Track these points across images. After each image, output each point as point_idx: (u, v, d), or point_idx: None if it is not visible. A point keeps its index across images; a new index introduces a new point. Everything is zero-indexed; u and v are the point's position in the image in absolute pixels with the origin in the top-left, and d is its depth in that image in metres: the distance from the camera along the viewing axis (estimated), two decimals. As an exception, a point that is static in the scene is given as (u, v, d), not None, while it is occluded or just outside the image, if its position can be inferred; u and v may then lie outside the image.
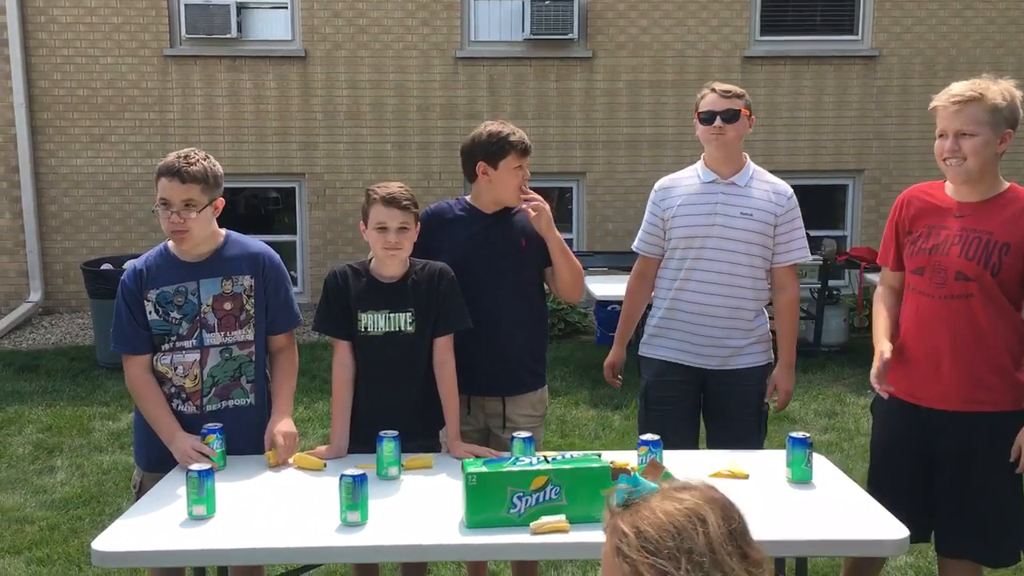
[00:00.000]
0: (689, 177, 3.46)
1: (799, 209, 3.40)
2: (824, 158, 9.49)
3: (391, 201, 2.95)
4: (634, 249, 3.59)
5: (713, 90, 3.35)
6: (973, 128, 2.70)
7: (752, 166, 3.42)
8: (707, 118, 3.33)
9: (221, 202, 2.93)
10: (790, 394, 3.45)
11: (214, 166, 2.90)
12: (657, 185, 3.54)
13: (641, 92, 9.33)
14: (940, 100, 2.76)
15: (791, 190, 3.41)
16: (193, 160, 2.83)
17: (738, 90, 3.36)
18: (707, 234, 3.33)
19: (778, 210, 3.34)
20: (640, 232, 3.55)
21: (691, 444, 3.43)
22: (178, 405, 2.96)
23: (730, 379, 3.38)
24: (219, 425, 2.87)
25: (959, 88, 2.74)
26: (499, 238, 3.21)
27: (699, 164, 3.46)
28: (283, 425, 2.96)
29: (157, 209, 2.86)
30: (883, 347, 2.91)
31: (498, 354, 3.18)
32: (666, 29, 9.28)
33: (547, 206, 3.17)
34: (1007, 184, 2.83)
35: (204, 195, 2.84)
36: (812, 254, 7.76)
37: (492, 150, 3.15)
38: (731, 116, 3.30)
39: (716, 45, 9.31)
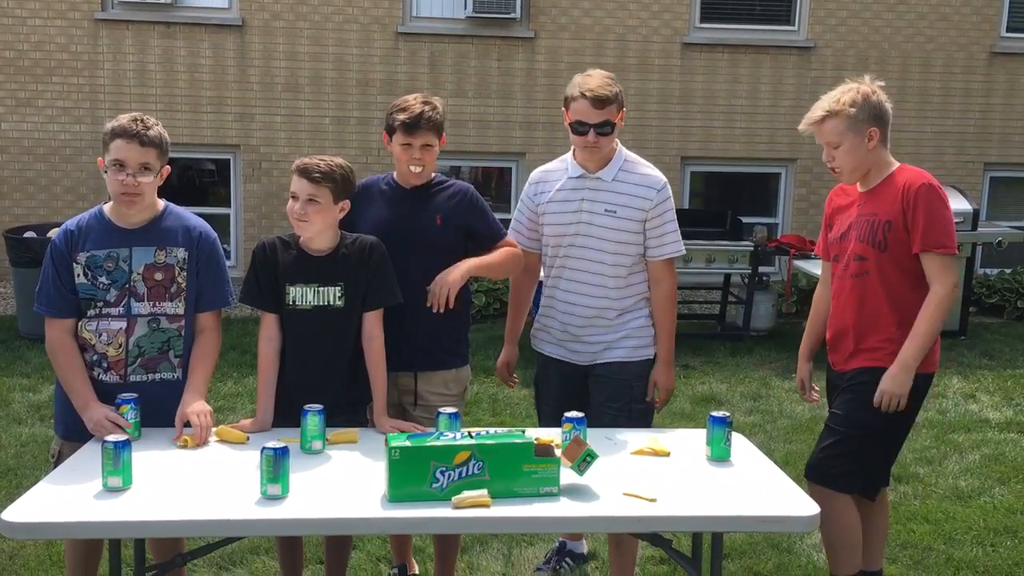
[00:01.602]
0: (559, 171, 3.37)
1: (672, 202, 3.30)
2: (759, 146, 9.64)
3: (303, 171, 2.95)
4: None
5: (584, 96, 3.13)
6: (835, 139, 3.08)
7: (623, 156, 3.30)
8: (580, 130, 3.17)
9: (167, 170, 2.93)
10: (670, 391, 3.37)
11: (165, 132, 2.90)
12: (531, 178, 3.46)
13: (582, 74, 9.35)
14: (802, 124, 3.16)
15: (663, 181, 3.28)
16: (150, 124, 2.84)
17: (611, 91, 3.15)
18: (575, 232, 3.29)
19: (646, 204, 3.23)
20: (513, 223, 3.49)
21: None
22: (99, 374, 2.90)
23: (604, 372, 3.33)
24: (134, 395, 2.82)
25: (814, 111, 3.11)
26: (412, 214, 3.19)
27: (569, 156, 3.36)
28: (196, 405, 2.89)
29: (108, 170, 2.81)
30: (800, 369, 3.48)
31: (409, 330, 3.16)
32: (608, 12, 9.31)
33: (449, 281, 3.08)
34: (895, 166, 3.15)
35: (158, 160, 2.85)
36: (743, 240, 7.95)
37: (388, 121, 3.18)
38: (606, 130, 3.16)
39: (657, 31, 9.38)
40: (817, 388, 3.46)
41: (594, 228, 3.26)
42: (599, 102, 3.12)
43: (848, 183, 3.23)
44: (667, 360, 3.35)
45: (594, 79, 3.17)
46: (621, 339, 3.32)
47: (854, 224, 3.15)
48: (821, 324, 3.38)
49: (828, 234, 3.34)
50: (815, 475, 3.18)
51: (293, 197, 2.97)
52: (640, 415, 3.33)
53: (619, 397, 3.31)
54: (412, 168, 3.17)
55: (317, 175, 2.94)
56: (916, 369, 3.02)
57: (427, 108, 3.13)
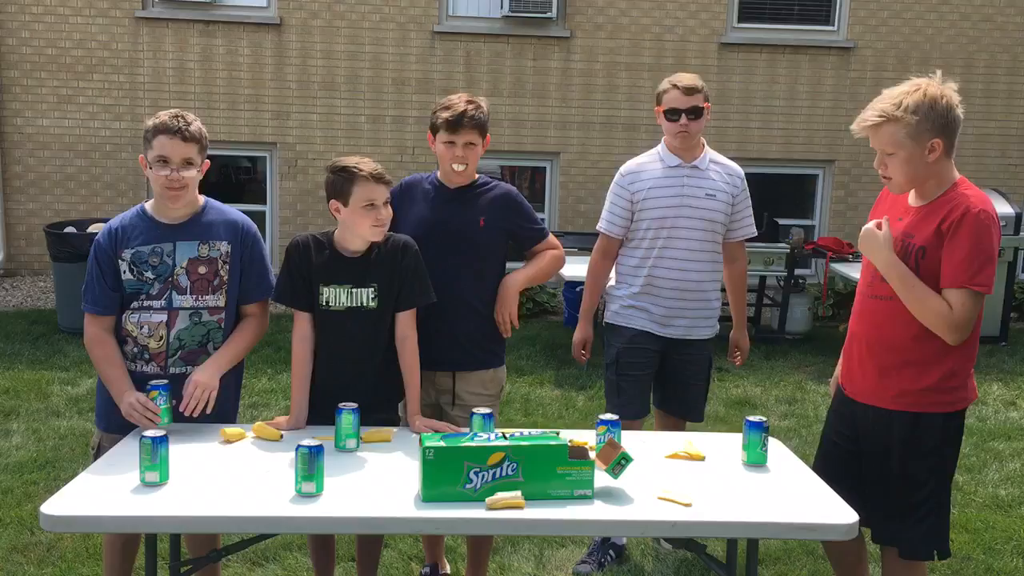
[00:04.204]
0: (653, 162, 3.69)
1: (748, 188, 3.77)
2: (796, 147, 9.54)
3: (379, 178, 2.94)
4: (601, 231, 3.78)
5: (675, 86, 3.54)
6: (892, 148, 2.66)
7: (708, 149, 3.70)
8: (673, 116, 3.56)
9: (207, 164, 2.97)
10: (747, 350, 3.97)
11: (204, 128, 2.95)
12: (624, 170, 3.73)
13: (618, 74, 9.31)
14: (855, 125, 2.73)
15: (742, 171, 3.77)
16: (190, 120, 2.89)
17: (699, 83, 3.57)
18: (677, 214, 3.61)
19: (734, 190, 3.69)
20: (606, 214, 3.76)
21: (647, 408, 3.80)
22: (140, 366, 2.94)
23: (690, 348, 3.75)
24: (165, 382, 2.84)
25: (869, 113, 2.68)
26: (456, 215, 3.20)
27: (661, 149, 3.70)
28: (201, 375, 2.89)
29: (152, 167, 2.86)
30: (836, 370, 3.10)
31: (448, 329, 3.18)
32: (645, 12, 9.26)
33: (508, 305, 3.26)
34: (955, 180, 2.72)
35: (199, 155, 2.91)
36: (780, 242, 7.91)
37: (432, 119, 3.19)
38: (696, 114, 3.55)
39: (694, 30, 9.31)
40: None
41: (697, 211, 3.62)
42: (689, 91, 3.53)
43: (896, 192, 2.81)
44: (743, 324, 3.96)
45: (684, 74, 3.62)
46: (706, 317, 3.75)
47: (894, 240, 2.77)
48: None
49: None
50: (909, 551, 2.86)
51: (371, 205, 2.92)
52: (708, 389, 3.90)
53: (703, 373, 3.82)
54: (455, 167, 3.17)
55: (389, 177, 2.98)
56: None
57: (471, 107, 3.13)
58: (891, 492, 2.84)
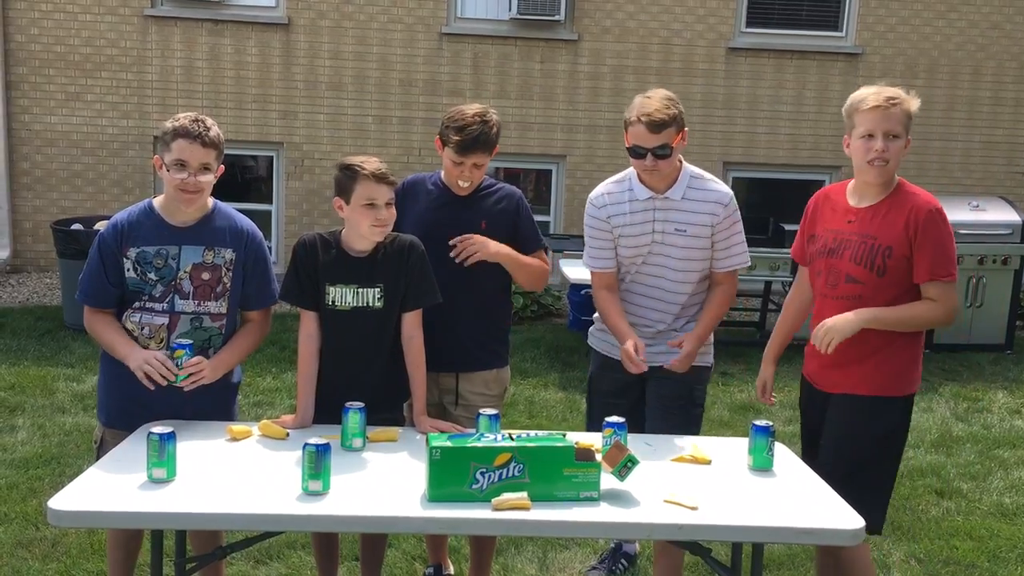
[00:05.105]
0: (623, 191, 3.29)
1: (739, 214, 3.30)
2: (802, 152, 9.53)
3: (381, 177, 2.94)
4: (591, 269, 3.39)
5: (641, 120, 3.08)
6: (899, 130, 2.88)
7: (689, 173, 3.26)
8: (638, 153, 3.13)
9: (222, 169, 2.96)
10: (691, 357, 3.21)
11: (221, 132, 2.94)
12: (596, 201, 3.33)
13: (625, 78, 9.31)
14: (877, 99, 2.86)
15: (729, 195, 3.27)
16: (209, 125, 2.88)
17: (669, 114, 3.08)
18: (649, 252, 3.26)
19: (714, 220, 3.22)
20: (589, 251, 3.36)
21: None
22: None
23: (668, 372, 3.23)
24: (190, 342, 2.86)
25: (888, 90, 2.88)
26: (458, 216, 3.19)
27: (632, 178, 3.30)
28: (203, 364, 2.88)
29: (169, 169, 2.85)
30: (764, 372, 3.43)
31: (450, 330, 3.18)
32: (653, 16, 9.26)
33: (479, 243, 3.11)
34: (896, 182, 2.98)
35: (216, 161, 2.90)
36: (785, 247, 7.85)
37: (443, 131, 3.17)
38: (664, 152, 3.11)
39: (702, 35, 9.31)
40: (775, 395, 3.49)
41: (666, 247, 3.24)
42: (655, 126, 3.07)
43: (879, 182, 2.95)
44: (699, 336, 3.24)
45: (652, 102, 3.10)
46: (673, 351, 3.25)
47: (848, 243, 2.98)
48: (790, 328, 3.35)
49: (808, 242, 3.18)
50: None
51: (371, 204, 2.93)
52: (695, 420, 3.35)
53: (680, 396, 3.29)
54: (460, 183, 3.18)
55: (393, 177, 2.97)
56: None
57: (483, 129, 3.11)
58: (842, 475, 2.97)
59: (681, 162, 3.27)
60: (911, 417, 3.10)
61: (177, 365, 2.81)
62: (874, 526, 2.95)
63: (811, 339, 3.00)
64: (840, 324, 2.91)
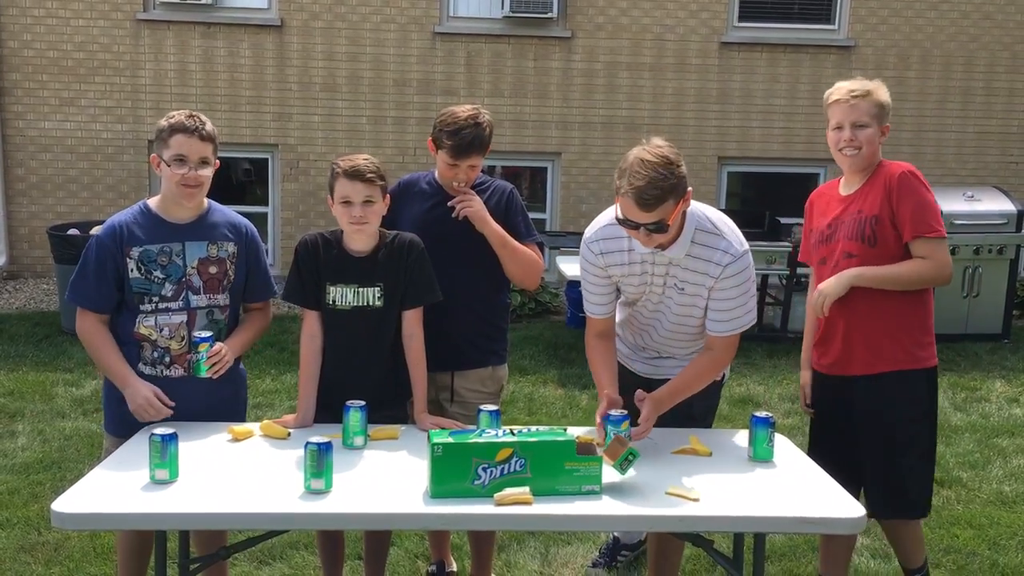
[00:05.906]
0: (620, 239, 2.91)
1: (745, 274, 2.87)
2: (797, 146, 9.54)
3: (355, 174, 2.93)
4: (590, 315, 3.08)
5: (630, 194, 2.64)
6: (867, 120, 3.03)
7: (695, 225, 2.84)
8: (631, 226, 2.73)
9: (217, 163, 3.00)
10: (649, 423, 2.82)
11: (216, 129, 3.00)
12: (593, 247, 2.97)
13: (618, 74, 9.32)
14: (840, 94, 3.06)
15: (728, 260, 2.83)
16: (205, 120, 2.94)
17: (665, 185, 2.62)
18: (646, 298, 3.00)
19: (708, 281, 2.86)
20: (587, 295, 3.05)
21: None
22: (162, 370, 2.95)
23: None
24: (210, 333, 2.91)
25: (854, 84, 3.06)
26: (452, 214, 3.17)
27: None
28: (224, 348, 2.94)
29: (169, 165, 2.88)
30: (803, 376, 3.44)
31: (444, 328, 3.17)
32: (645, 12, 9.27)
33: (477, 203, 3.13)
34: (878, 162, 3.11)
35: (213, 155, 2.95)
36: (781, 241, 7.85)
37: (436, 135, 3.17)
38: (658, 228, 2.70)
39: (694, 30, 9.32)
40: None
41: (665, 300, 2.96)
42: (647, 204, 2.63)
43: (854, 170, 3.10)
44: (661, 399, 2.89)
45: (646, 168, 2.62)
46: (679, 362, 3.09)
47: (841, 224, 3.11)
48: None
49: (812, 238, 3.28)
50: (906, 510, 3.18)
51: (346, 202, 2.94)
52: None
53: (679, 411, 2.98)
54: (455, 183, 3.19)
55: (371, 175, 2.94)
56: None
57: (477, 132, 3.10)
58: (887, 461, 3.11)
59: (686, 214, 2.82)
60: (937, 394, 3.17)
61: (201, 358, 2.87)
62: (924, 508, 3.17)
63: (807, 306, 3.13)
64: (829, 285, 3.05)
